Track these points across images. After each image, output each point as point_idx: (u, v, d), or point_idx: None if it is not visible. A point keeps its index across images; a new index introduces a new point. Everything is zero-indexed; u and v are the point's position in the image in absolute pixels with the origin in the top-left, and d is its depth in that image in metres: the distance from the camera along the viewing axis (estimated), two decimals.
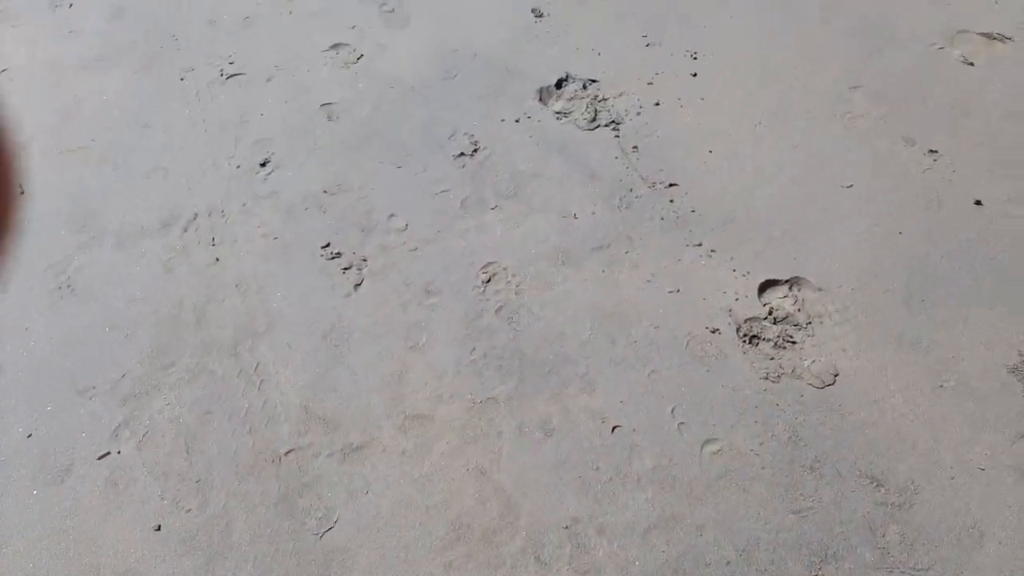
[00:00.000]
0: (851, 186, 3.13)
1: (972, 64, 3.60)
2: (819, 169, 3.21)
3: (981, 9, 3.86)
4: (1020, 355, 2.63)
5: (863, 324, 2.73)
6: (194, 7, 4.22)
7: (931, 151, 3.24)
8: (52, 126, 3.55)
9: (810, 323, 2.74)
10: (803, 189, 3.14)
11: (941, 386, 2.57)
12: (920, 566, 2.22)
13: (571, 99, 3.58)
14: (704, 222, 3.05)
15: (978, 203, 3.05)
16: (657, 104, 3.52)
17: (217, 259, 3.01)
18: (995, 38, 3.70)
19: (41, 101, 3.68)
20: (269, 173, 3.31)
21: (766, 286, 2.86)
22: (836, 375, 2.61)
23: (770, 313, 2.78)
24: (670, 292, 2.84)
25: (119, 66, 3.88)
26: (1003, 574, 2.20)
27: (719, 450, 2.45)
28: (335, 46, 3.92)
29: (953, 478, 2.37)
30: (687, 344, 2.70)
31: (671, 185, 3.18)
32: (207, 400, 2.61)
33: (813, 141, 3.32)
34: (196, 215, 3.17)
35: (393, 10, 4.12)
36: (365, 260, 2.98)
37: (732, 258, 2.93)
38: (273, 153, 3.39)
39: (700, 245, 2.98)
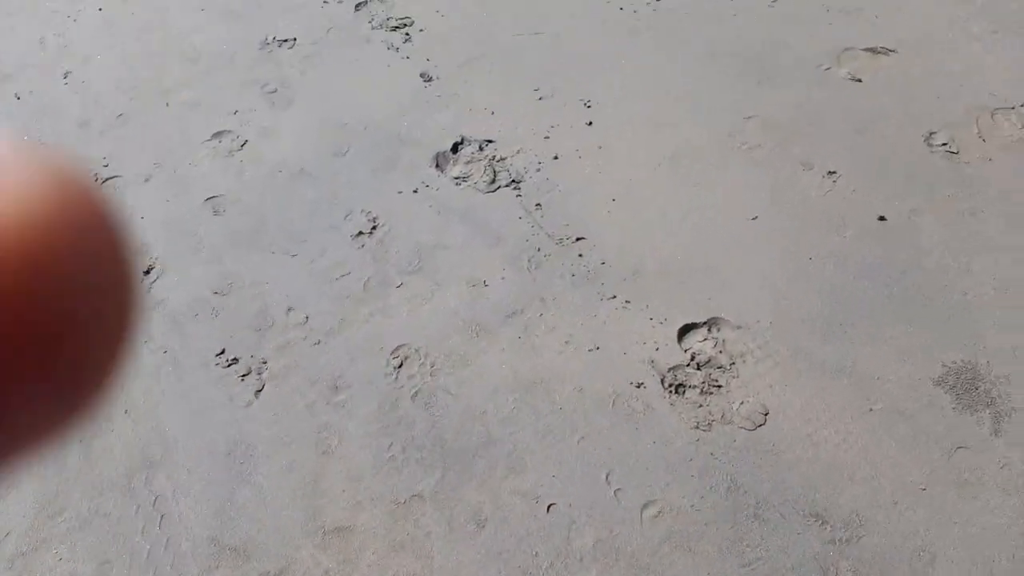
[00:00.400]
0: (756, 218, 3.10)
1: (860, 80, 3.64)
2: (723, 205, 3.17)
3: (863, 25, 3.92)
4: (943, 366, 2.61)
5: (785, 357, 2.67)
6: (62, 109, 4.00)
7: (830, 172, 3.23)
8: None
9: (733, 363, 2.67)
10: (709, 227, 3.09)
11: (871, 410, 2.52)
12: None
13: (468, 162, 3.48)
14: (615, 273, 2.97)
15: (882, 219, 3.04)
16: (556, 158, 3.44)
17: None
18: (879, 52, 3.76)
19: None
20: (153, 282, 3.10)
21: (685, 331, 2.79)
22: (766, 414, 2.54)
23: (692, 359, 2.71)
24: (590, 351, 2.74)
25: None
26: None
27: (659, 512, 2.34)
28: (217, 134, 3.75)
29: (896, 503, 2.31)
30: (613, 403, 2.60)
31: (578, 239, 3.10)
32: (104, 547, 2.38)
33: (713, 177, 3.28)
34: None
35: (276, 90, 3.98)
36: (265, 363, 2.80)
37: (647, 307, 2.85)
38: (156, 259, 3.18)
39: (614, 298, 2.89)
